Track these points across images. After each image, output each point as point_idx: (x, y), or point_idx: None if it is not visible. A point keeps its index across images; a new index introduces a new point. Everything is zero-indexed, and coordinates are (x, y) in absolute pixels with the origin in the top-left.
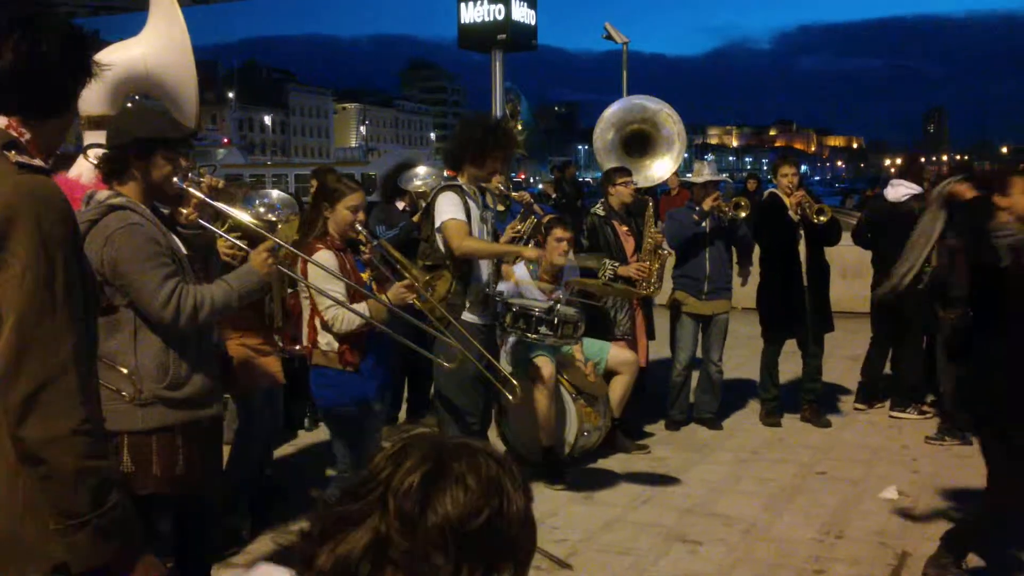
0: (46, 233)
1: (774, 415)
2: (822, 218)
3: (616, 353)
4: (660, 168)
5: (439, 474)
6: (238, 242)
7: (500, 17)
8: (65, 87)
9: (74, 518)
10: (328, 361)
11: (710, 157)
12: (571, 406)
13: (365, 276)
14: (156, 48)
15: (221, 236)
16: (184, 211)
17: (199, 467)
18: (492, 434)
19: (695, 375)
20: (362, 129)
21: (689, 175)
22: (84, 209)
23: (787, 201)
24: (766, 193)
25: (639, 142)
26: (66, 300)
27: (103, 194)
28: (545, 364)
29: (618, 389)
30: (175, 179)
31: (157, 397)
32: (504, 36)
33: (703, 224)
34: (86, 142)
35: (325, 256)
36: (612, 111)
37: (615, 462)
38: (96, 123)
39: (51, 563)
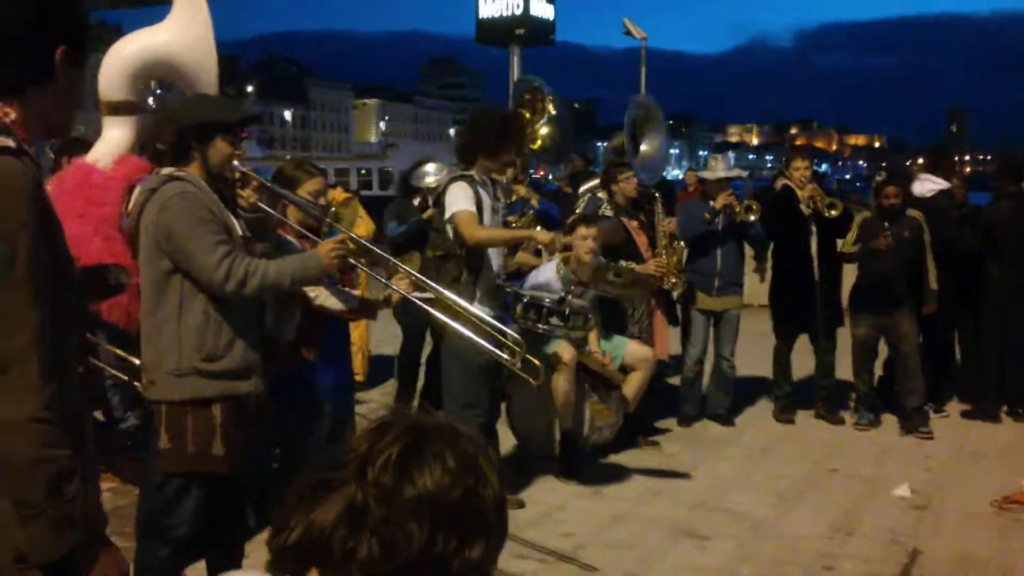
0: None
1: (787, 412)
2: (833, 212)
3: (633, 349)
4: (646, 144)
5: (417, 450)
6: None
7: (518, 12)
8: (32, 49)
9: (29, 508)
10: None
11: (730, 154)
12: (584, 402)
13: None
14: (181, 36)
15: (282, 220)
16: (244, 194)
17: (238, 448)
18: (502, 427)
19: (707, 372)
20: (381, 125)
21: (705, 171)
22: (147, 180)
23: (799, 194)
24: (779, 184)
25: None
26: (24, 283)
27: (167, 169)
28: (565, 349)
29: (633, 385)
30: (236, 162)
31: (194, 368)
32: (522, 31)
33: (715, 220)
34: (105, 128)
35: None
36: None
37: (625, 457)
38: (115, 108)
39: (13, 553)
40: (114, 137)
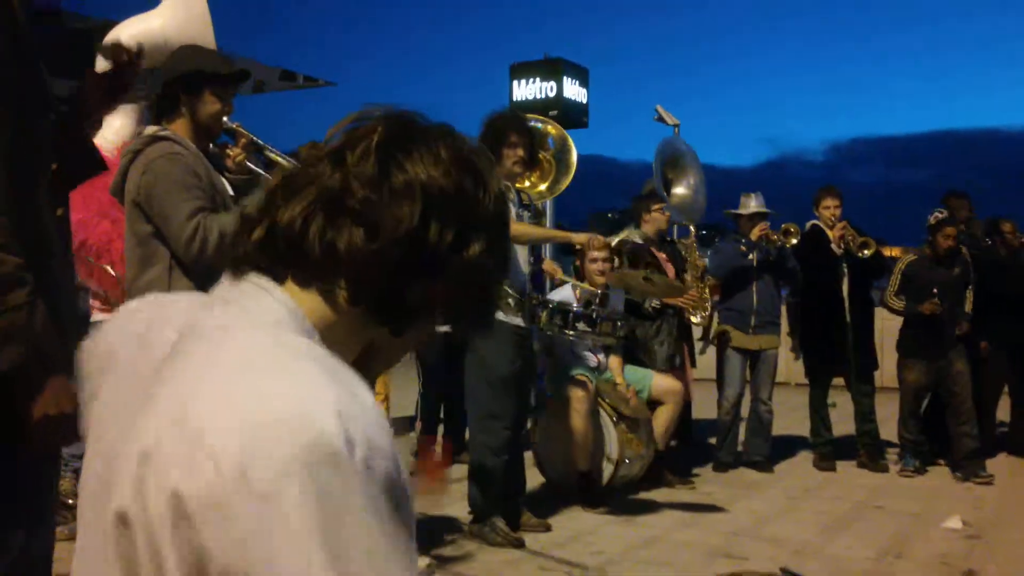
0: None
1: (828, 459)
2: (866, 252)
3: (660, 382)
4: (680, 189)
5: (405, 138)
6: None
7: (552, 94)
8: None
9: None
10: None
11: (757, 191)
12: (612, 432)
13: None
14: (175, 19)
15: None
16: (231, 152)
17: None
18: (528, 460)
19: (744, 418)
20: None
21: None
22: (132, 142)
23: (829, 234)
24: (808, 224)
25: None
26: None
27: (152, 128)
28: (584, 382)
29: (662, 419)
30: (225, 118)
31: None
32: (556, 112)
33: (750, 256)
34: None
35: None
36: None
37: (657, 493)
38: None
39: None
40: (116, 125)
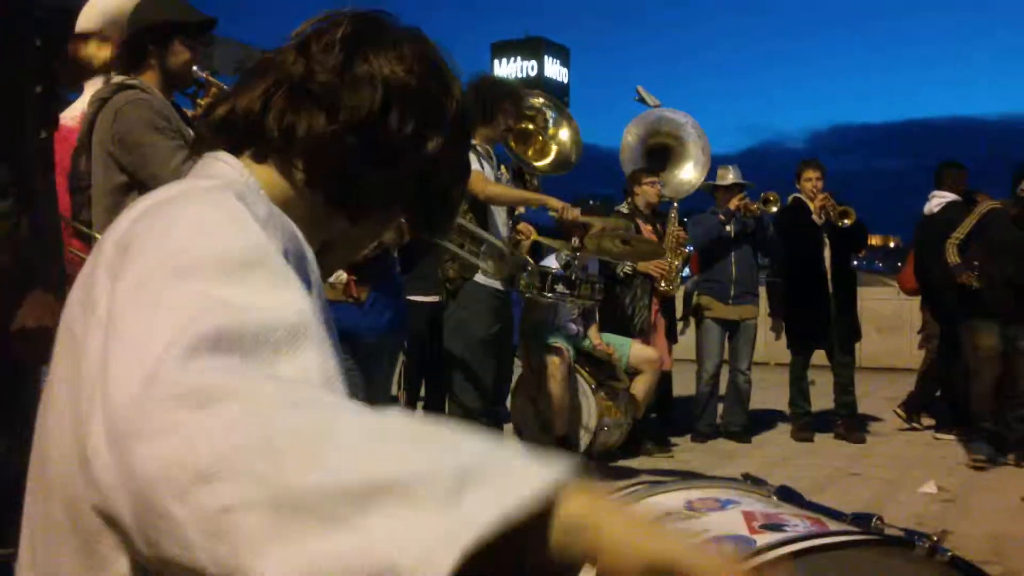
0: None
1: (806, 431)
2: (846, 221)
3: (638, 350)
4: (686, 174)
5: (373, 32)
6: None
7: (533, 73)
8: None
9: None
10: (335, 294)
11: (735, 164)
12: (591, 398)
13: None
14: None
15: None
16: (201, 103)
17: None
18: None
19: (723, 395)
20: None
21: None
22: (97, 90)
23: (811, 205)
24: (790, 198)
25: (661, 155)
26: None
27: (119, 77)
28: (561, 348)
29: (640, 388)
30: (195, 67)
31: None
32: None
33: (728, 227)
34: (86, 87)
35: None
36: (636, 122)
37: (635, 461)
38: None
39: None
40: (90, 96)
